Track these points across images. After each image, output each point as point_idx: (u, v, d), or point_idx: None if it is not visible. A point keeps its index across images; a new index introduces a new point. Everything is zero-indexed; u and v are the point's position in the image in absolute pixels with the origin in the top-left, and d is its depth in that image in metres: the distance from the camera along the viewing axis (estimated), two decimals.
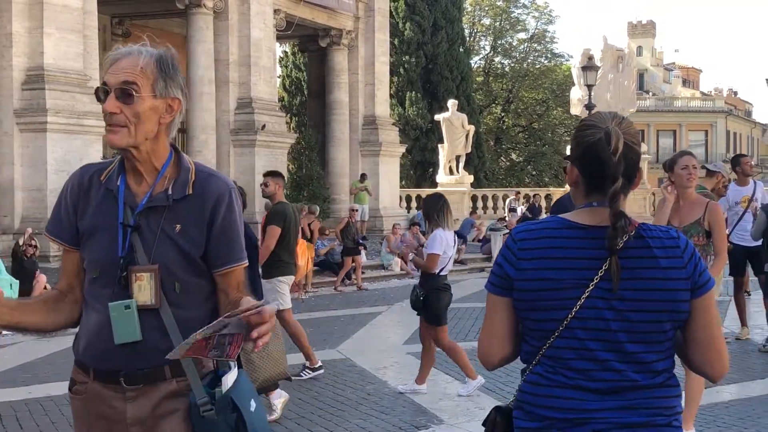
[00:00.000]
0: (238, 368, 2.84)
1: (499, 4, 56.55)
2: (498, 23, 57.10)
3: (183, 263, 2.80)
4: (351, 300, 17.02)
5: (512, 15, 57.30)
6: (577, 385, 2.51)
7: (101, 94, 2.75)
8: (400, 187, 36.85)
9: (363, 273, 20.81)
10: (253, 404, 2.79)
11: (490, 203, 35.16)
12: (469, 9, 55.55)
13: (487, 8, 56.71)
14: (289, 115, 44.21)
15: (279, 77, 47.00)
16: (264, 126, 25.03)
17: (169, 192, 2.80)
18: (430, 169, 41.12)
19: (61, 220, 2.90)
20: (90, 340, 2.82)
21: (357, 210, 23.06)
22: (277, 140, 25.88)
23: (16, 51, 18.78)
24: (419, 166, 43.75)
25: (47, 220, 3.05)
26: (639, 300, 2.48)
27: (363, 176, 28.67)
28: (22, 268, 14.77)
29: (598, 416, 2.48)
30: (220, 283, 2.87)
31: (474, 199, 34.83)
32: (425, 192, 35.62)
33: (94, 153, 19.60)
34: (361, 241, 22.07)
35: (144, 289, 2.75)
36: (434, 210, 8.60)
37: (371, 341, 11.95)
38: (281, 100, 45.44)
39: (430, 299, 8.56)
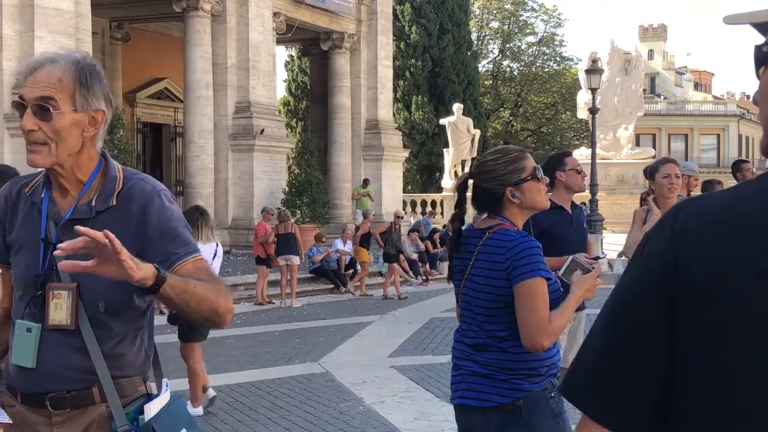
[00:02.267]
0: (172, 394, 2.68)
1: (507, 7, 56.12)
2: (506, 26, 56.66)
3: (107, 279, 2.49)
4: (343, 309, 16.64)
5: (521, 18, 56.89)
6: None
7: (17, 108, 2.54)
8: (405, 192, 36.49)
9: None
10: None
11: None
12: (477, 12, 55.16)
13: (495, 11, 56.29)
14: (294, 119, 44.03)
15: (285, 81, 46.82)
16: (263, 130, 24.71)
17: (93, 204, 2.61)
18: (437, 174, 40.74)
19: None
20: (10, 363, 2.67)
21: (402, 217, 22.32)
22: (276, 145, 25.56)
23: (6, 54, 18.54)
24: (425, 171, 43.37)
25: None
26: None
27: (365, 181, 28.31)
28: None
29: None
30: None
31: None
32: (430, 197, 35.34)
33: None
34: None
35: (60, 308, 2.56)
36: (190, 223, 8.33)
37: (355, 354, 11.57)
38: (287, 104, 45.27)
39: None
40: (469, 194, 3.58)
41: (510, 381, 3.33)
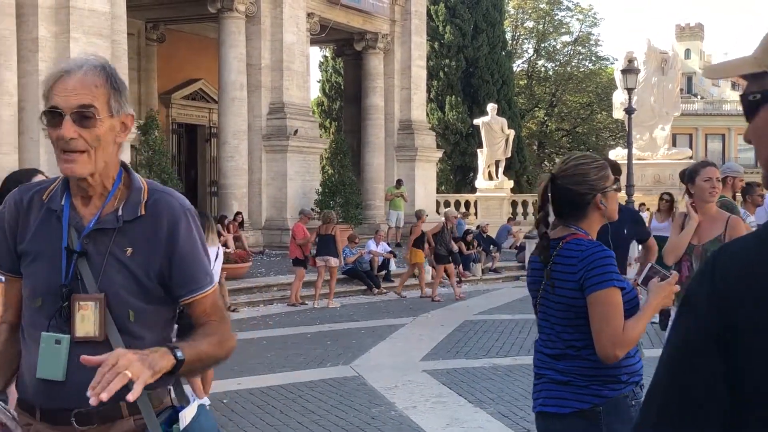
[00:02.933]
0: (199, 404, 2.65)
1: (542, 6, 55.74)
2: (541, 26, 56.29)
3: (136, 289, 2.55)
4: (375, 311, 16.56)
5: (556, 18, 56.46)
6: None
7: (49, 118, 2.46)
8: (439, 192, 36.35)
9: (393, 281, 20.37)
10: None
11: (530, 209, 34.47)
12: (512, 12, 54.86)
13: (530, 11, 55.95)
14: (328, 119, 44.04)
15: (318, 82, 46.88)
16: (296, 131, 24.72)
17: (119, 213, 2.55)
18: (470, 174, 40.55)
19: (1, 247, 2.66)
20: (31, 378, 2.56)
21: (457, 216, 22.12)
22: (309, 145, 25.56)
23: (42, 56, 18.62)
24: (459, 171, 43.21)
25: None
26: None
27: (399, 182, 28.22)
28: None
29: None
30: (192, 313, 2.64)
31: (514, 204, 34.21)
32: (464, 197, 35.17)
33: (122, 159, 19.38)
34: (391, 249, 21.66)
35: (87, 319, 2.50)
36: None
37: (387, 357, 11.48)
38: (321, 104, 45.31)
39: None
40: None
41: (589, 387, 3.37)
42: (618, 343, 3.28)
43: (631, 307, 3.37)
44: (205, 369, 2.56)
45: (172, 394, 2.67)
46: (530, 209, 34.27)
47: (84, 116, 2.46)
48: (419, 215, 20.55)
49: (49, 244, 2.57)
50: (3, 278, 2.78)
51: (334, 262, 17.37)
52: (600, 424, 3.35)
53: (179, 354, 2.41)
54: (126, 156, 19.46)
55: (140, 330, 2.57)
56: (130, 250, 2.55)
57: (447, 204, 34.65)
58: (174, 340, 2.70)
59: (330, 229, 17.56)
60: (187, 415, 2.57)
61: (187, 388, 2.72)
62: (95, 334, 2.50)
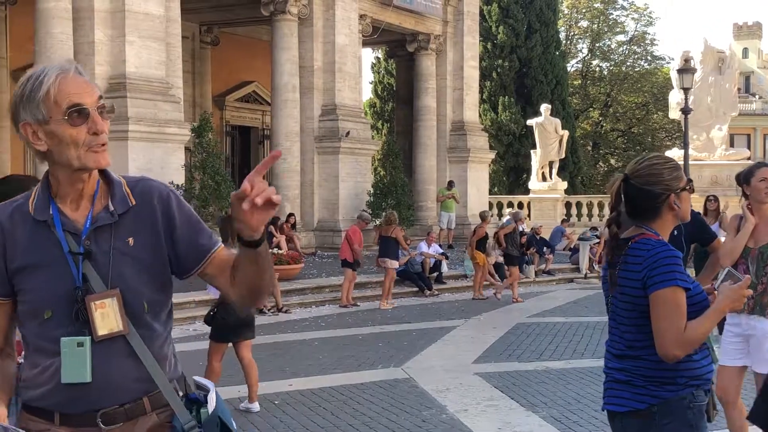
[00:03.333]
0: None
1: (596, 6, 55.16)
2: (596, 25, 55.70)
3: (146, 279, 2.61)
4: (427, 313, 16.49)
5: (610, 17, 55.84)
6: None
7: (75, 115, 2.50)
8: (492, 194, 36.15)
9: (444, 283, 20.29)
10: (233, 423, 2.74)
11: (584, 210, 34.13)
12: (566, 12, 54.37)
13: (584, 10, 55.40)
14: (380, 121, 44.05)
15: (371, 83, 46.90)
16: (348, 133, 24.75)
17: (111, 208, 2.61)
18: (524, 175, 40.26)
19: None
20: (52, 385, 2.56)
21: (522, 219, 22.00)
22: (361, 147, 25.58)
23: (98, 59, 18.88)
24: (512, 172, 42.91)
25: None
26: None
27: (450, 183, 28.11)
28: None
29: None
30: (214, 271, 2.68)
31: (567, 206, 33.89)
32: (517, 199, 34.94)
33: (176, 161, 19.61)
34: (443, 251, 21.57)
35: (107, 316, 2.53)
36: (225, 231, 8.89)
37: (439, 359, 11.41)
38: (373, 105, 45.35)
39: (218, 313, 8.37)
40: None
41: (646, 387, 3.40)
42: (678, 342, 3.29)
43: (699, 309, 3.37)
44: (270, 277, 2.56)
45: (186, 386, 2.74)
46: (584, 210, 33.93)
47: (102, 110, 2.56)
48: (484, 217, 20.56)
49: (47, 253, 2.56)
50: None
51: (390, 263, 17.46)
52: (654, 424, 3.37)
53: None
54: (180, 157, 19.65)
55: (153, 322, 2.62)
56: (131, 240, 2.59)
57: (500, 205, 34.47)
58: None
59: (390, 230, 17.67)
60: (212, 400, 2.67)
61: (199, 378, 2.80)
62: (120, 328, 2.53)
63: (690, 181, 3.63)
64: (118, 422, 2.57)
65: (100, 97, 2.56)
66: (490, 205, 33.15)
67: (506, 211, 30.58)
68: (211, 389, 2.72)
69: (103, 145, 2.55)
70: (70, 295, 2.53)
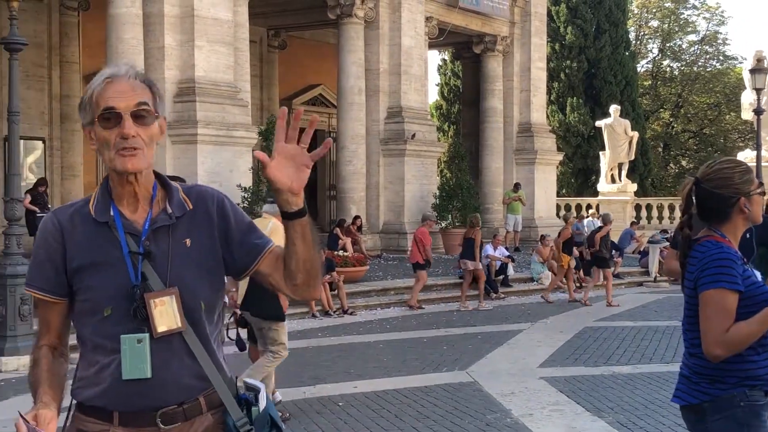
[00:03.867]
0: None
1: (667, 5, 54.22)
2: (666, 25, 54.75)
3: (202, 278, 2.69)
4: (493, 316, 16.39)
5: (681, 16, 54.80)
6: None
7: (103, 121, 2.60)
8: (560, 196, 35.81)
9: (511, 286, 20.16)
10: (282, 423, 2.80)
11: (654, 213, 33.62)
12: (636, 11, 53.58)
13: (654, 10, 54.53)
14: (446, 123, 43.94)
15: (437, 85, 46.83)
16: (414, 135, 24.75)
17: (169, 211, 2.70)
18: (592, 177, 39.77)
19: (45, 270, 2.70)
20: (111, 383, 2.60)
21: (611, 222, 21.76)
22: (427, 149, 25.55)
23: (168, 64, 19.16)
24: (580, 174, 42.41)
25: None
26: None
27: (516, 185, 27.90)
28: None
29: None
30: (268, 268, 2.74)
31: (637, 208, 33.41)
32: (586, 201, 34.56)
33: (244, 164, 19.81)
34: (509, 254, 21.41)
35: (166, 314, 2.60)
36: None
37: (504, 363, 11.33)
38: (439, 107, 45.26)
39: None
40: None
41: (700, 384, 3.51)
42: (718, 343, 3.36)
43: (756, 310, 3.38)
44: (317, 253, 2.62)
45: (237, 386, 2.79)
46: (654, 213, 33.42)
47: (141, 115, 2.60)
48: (567, 218, 20.57)
49: (108, 253, 2.63)
50: None
51: (471, 265, 17.60)
52: (705, 420, 3.48)
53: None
54: (247, 160, 19.85)
55: (207, 322, 2.69)
56: (188, 241, 2.68)
57: (567, 207, 34.14)
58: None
59: (471, 232, 17.87)
60: (262, 398, 2.73)
61: (249, 379, 2.86)
62: (178, 325, 2.60)
63: (761, 184, 3.63)
64: (177, 422, 2.62)
65: (142, 103, 2.60)
66: (558, 207, 32.85)
67: (589, 212, 30.24)
68: (262, 389, 2.78)
69: (135, 149, 2.59)
70: (129, 293, 2.60)
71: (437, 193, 25.03)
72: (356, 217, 23.02)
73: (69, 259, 2.66)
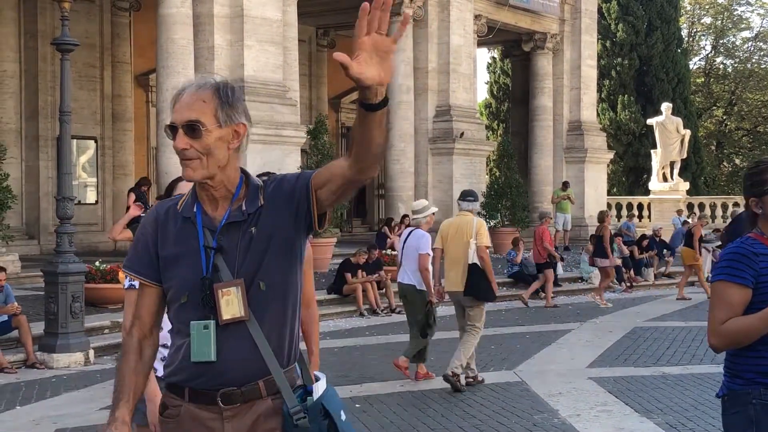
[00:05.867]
0: (327, 383, 2.99)
1: (720, 1, 53.46)
2: (719, 22, 53.96)
3: (265, 264, 2.87)
4: (541, 316, 16.27)
5: (735, 13, 53.97)
6: None
7: (170, 132, 2.88)
8: (611, 195, 35.46)
9: (560, 286, 19.99)
10: (343, 415, 2.92)
11: (707, 211, 33.14)
12: (688, 8, 52.88)
13: (707, 6, 53.77)
14: (496, 121, 43.78)
15: (486, 83, 46.65)
16: (462, 134, 24.69)
17: (243, 208, 2.91)
18: (644, 176, 39.33)
19: (141, 256, 3.01)
20: (184, 363, 2.91)
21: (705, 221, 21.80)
22: (475, 148, 25.48)
23: (218, 64, 19.31)
24: (632, 173, 41.97)
25: None
26: None
27: (565, 184, 27.69)
28: None
29: None
30: (322, 182, 2.86)
31: (690, 207, 32.95)
32: (637, 200, 34.18)
33: (292, 163, 19.89)
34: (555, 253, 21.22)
35: (232, 303, 2.84)
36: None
37: (552, 363, 11.25)
38: (488, 106, 45.11)
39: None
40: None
41: (725, 377, 3.61)
42: (714, 332, 3.45)
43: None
44: (383, 137, 2.70)
45: (301, 377, 2.97)
46: (707, 212, 32.95)
47: (192, 129, 2.82)
48: (702, 217, 20.64)
49: (188, 246, 2.92)
50: (136, 284, 3.19)
51: (600, 263, 17.85)
52: (726, 412, 3.60)
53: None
54: (296, 159, 19.94)
55: (273, 306, 2.87)
56: (253, 229, 2.88)
57: (618, 206, 33.82)
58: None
59: (600, 229, 18.07)
60: (319, 388, 2.91)
61: (316, 372, 3.03)
62: (242, 314, 2.83)
63: None
64: (236, 402, 2.85)
65: (192, 120, 2.80)
66: (609, 206, 32.50)
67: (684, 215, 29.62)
68: (322, 379, 2.95)
69: (190, 159, 2.83)
70: (201, 283, 2.86)
71: (486, 192, 24.91)
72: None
73: (161, 247, 2.96)
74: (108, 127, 23.34)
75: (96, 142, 23.12)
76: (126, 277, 4.01)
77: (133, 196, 17.46)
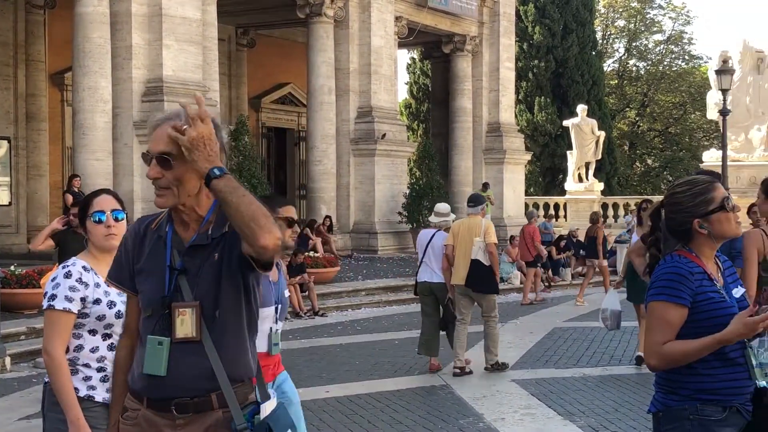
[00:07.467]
0: (278, 402, 3.12)
1: (633, 5, 54.69)
2: (632, 25, 55.22)
3: (226, 291, 3.00)
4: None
5: (647, 16, 55.27)
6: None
7: (145, 159, 3.01)
8: (528, 195, 35.98)
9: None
10: None
11: (621, 211, 33.87)
12: (602, 11, 53.95)
13: (621, 10, 54.96)
14: (416, 121, 44.00)
15: (406, 83, 46.87)
16: (384, 135, 24.77)
17: (209, 233, 3.02)
18: (560, 176, 40.03)
19: (122, 267, 3.19)
20: (138, 373, 3.06)
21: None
22: (397, 149, 25.59)
23: (135, 63, 19.04)
24: (548, 173, 42.68)
25: None
26: None
27: (485, 185, 28.02)
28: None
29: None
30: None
31: (604, 207, 33.64)
32: (553, 200, 34.75)
33: None
34: None
35: (185, 323, 2.97)
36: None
37: (476, 365, 11.32)
38: (408, 106, 45.31)
39: None
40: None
41: (658, 393, 3.58)
42: (653, 353, 3.44)
43: (715, 324, 3.38)
44: (248, 215, 2.76)
45: (257, 393, 3.10)
46: (621, 212, 33.67)
47: (164, 160, 2.94)
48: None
49: (156, 263, 3.06)
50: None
51: (594, 262, 18.49)
52: (661, 429, 3.55)
53: (221, 171, 2.78)
54: None
55: (227, 329, 3.01)
56: (216, 255, 3.00)
57: (536, 206, 34.33)
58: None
59: (593, 230, 18.56)
60: (267, 408, 3.01)
61: (270, 388, 3.20)
62: (193, 334, 2.97)
63: (726, 199, 3.56)
64: (189, 412, 2.99)
65: (164, 152, 2.92)
66: (527, 206, 32.98)
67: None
68: (273, 397, 3.11)
69: (161, 188, 2.97)
70: (162, 301, 3.01)
71: (407, 193, 25.05)
72: (326, 217, 22.99)
73: (135, 262, 3.14)
74: (22, 127, 22.80)
75: (9, 142, 22.55)
76: (54, 297, 3.86)
77: (70, 197, 17.16)
